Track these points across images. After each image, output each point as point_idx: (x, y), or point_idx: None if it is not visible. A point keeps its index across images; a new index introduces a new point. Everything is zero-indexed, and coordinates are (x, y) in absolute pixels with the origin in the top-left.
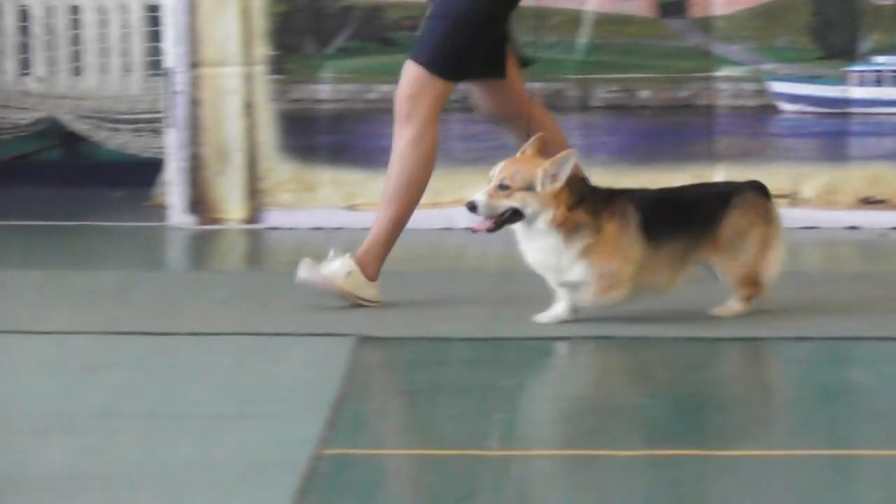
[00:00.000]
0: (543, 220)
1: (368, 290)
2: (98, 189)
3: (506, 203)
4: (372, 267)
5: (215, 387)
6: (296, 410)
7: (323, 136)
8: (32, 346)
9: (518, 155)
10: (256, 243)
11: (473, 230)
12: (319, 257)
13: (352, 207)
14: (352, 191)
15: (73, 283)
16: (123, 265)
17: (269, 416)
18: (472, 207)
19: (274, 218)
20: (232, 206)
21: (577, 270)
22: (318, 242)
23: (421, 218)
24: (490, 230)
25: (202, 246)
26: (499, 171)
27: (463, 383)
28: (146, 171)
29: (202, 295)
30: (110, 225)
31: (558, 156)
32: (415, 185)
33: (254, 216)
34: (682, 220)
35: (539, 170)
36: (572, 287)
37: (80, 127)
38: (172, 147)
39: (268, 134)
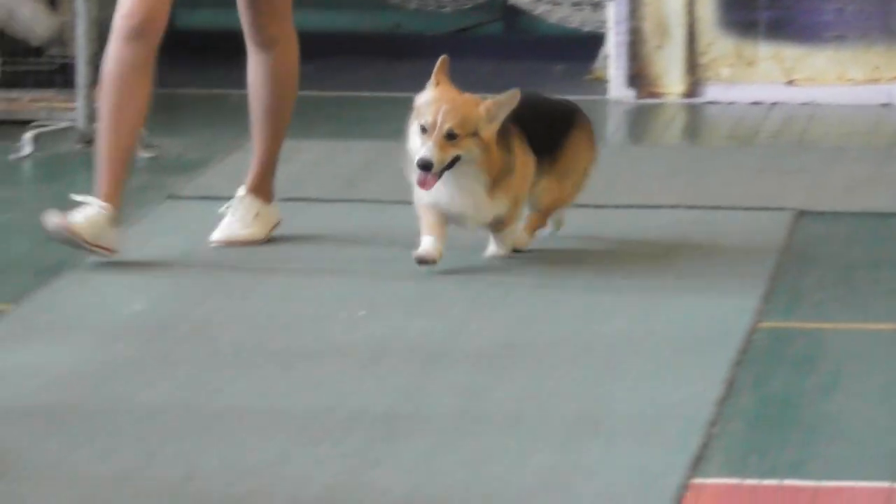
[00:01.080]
0: (478, 165)
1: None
2: (538, 62)
3: (453, 153)
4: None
5: (653, 259)
6: (732, 283)
7: (763, 12)
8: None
9: (436, 87)
10: (695, 117)
11: (423, 186)
12: (757, 132)
13: (791, 83)
14: (791, 66)
15: None
16: None
17: (707, 289)
18: (426, 166)
19: (713, 92)
20: (671, 80)
21: (501, 206)
22: (756, 117)
23: (861, 93)
24: (435, 180)
25: (641, 119)
26: (442, 118)
27: None
28: (586, 44)
29: (641, 168)
30: None
31: (502, 97)
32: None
33: (693, 90)
34: (540, 140)
35: (482, 111)
36: (496, 225)
37: (520, 1)
38: (612, 21)
39: (708, 9)
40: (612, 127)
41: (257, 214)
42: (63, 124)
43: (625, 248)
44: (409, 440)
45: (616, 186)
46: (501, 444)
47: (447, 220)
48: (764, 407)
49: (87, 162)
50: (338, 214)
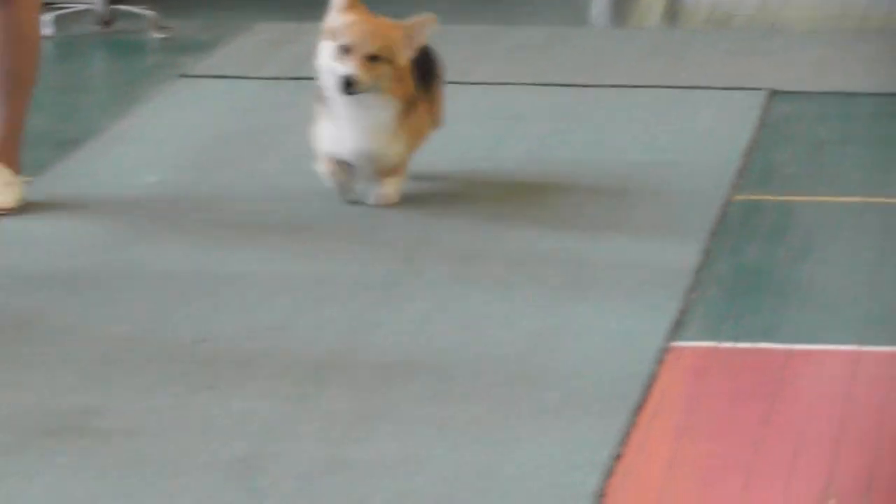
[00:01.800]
0: (389, 94)
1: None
2: None
3: (372, 77)
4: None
5: (633, 136)
6: (708, 159)
7: None
8: (464, 96)
9: (350, 10)
10: (674, 2)
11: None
12: (731, 17)
13: None
14: None
15: (501, 39)
16: (548, 22)
17: (683, 165)
18: (349, 84)
19: None
20: None
21: (398, 150)
22: (732, 2)
23: None
24: (350, 94)
25: (622, 4)
26: (365, 38)
27: (869, 135)
28: None
29: (623, 50)
30: None
31: (417, 21)
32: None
33: None
34: (423, 87)
35: (401, 35)
36: (389, 168)
37: None
38: None
39: None
40: (596, 11)
41: (7, 183)
42: (80, 6)
43: (609, 126)
44: (407, 304)
45: (599, 67)
46: (493, 308)
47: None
48: (739, 275)
49: (103, 43)
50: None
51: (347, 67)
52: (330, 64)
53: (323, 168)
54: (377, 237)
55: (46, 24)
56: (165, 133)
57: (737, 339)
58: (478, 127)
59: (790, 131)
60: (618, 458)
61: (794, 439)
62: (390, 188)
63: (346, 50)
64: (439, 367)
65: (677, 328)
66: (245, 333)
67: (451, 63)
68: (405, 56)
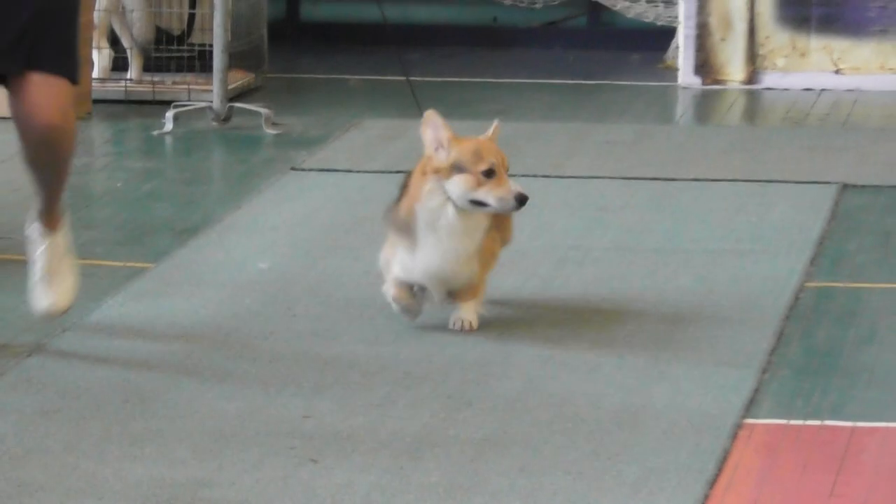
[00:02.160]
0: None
1: None
2: (618, 52)
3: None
4: None
5: (714, 227)
6: (783, 248)
7: (814, 8)
8: (557, 189)
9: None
10: (753, 102)
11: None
12: (807, 115)
13: (838, 72)
14: (838, 57)
15: (592, 134)
16: (637, 119)
17: (760, 253)
18: (524, 201)
19: (769, 80)
20: (733, 68)
21: (475, 270)
22: (807, 102)
23: None
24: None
25: (706, 103)
26: (501, 156)
27: None
28: (660, 37)
29: (705, 146)
30: (627, 84)
31: (495, 130)
32: None
33: (752, 78)
34: None
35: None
36: (463, 293)
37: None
38: (682, 16)
39: (766, 5)
40: (681, 110)
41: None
42: (200, 104)
43: (691, 217)
44: (497, 383)
45: (683, 162)
46: (579, 388)
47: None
48: (809, 356)
49: (220, 138)
50: None
51: (516, 186)
52: (471, 193)
53: (392, 292)
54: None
55: (168, 120)
56: (277, 222)
57: (806, 417)
58: (569, 217)
59: (860, 222)
60: None
61: None
62: (470, 314)
63: (491, 174)
64: (527, 442)
65: (750, 406)
66: (347, 410)
67: (546, 157)
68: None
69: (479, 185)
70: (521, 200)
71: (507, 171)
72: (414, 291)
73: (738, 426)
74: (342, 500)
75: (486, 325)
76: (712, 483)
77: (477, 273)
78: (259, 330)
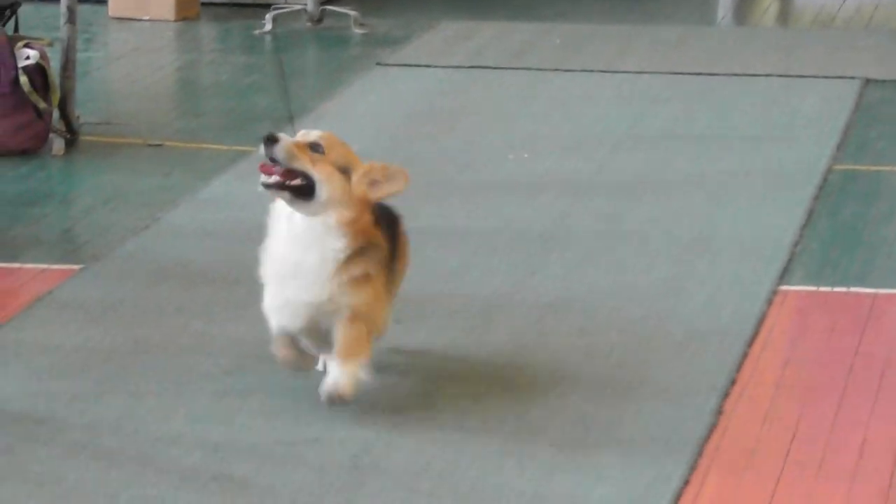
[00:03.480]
0: (335, 217)
1: None
2: None
3: (308, 167)
4: None
5: (751, 117)
6: (812, 136)
7: None
8: (611, 83)
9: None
10: (786, 6)
11: (264, 180)
12: (834, 18)
13: None
14: None
15: (642, 35)
16: (681, 22)
17: (792, 140)
18: (272, 140)
19: None
20: None
21: (349, 297)
22: (834, 6)
23: None
24: (270, 186)
25: (744, 7)
26: (315, 132)
27: None
28: None
29: (743, 46)
30: None
31: (393, 167)
32: None
33: None
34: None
35: (365, 164)
36: (328, 316)
37: None
38: None
39: None
40: (721, 13)
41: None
42: (296, 7)
43: (730, 109)
44: (560, 254)
45: (724, 59)
46: (632, 258)
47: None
48: (836, 231)
49: (313, 37)
50: (509, 79)
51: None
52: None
53: (275, 349)
54: (537, 198)
55: (267, 21)
56: (364, 112)
57: (833, 284)
58: (623, 108)
59: (881, 113)
60: (733, 382)
61: (881, 365)
62: (343, 377)
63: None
64: (585, 306)
65: (784, 275)
66: (424, 279)
67: (601, 55)
68: (360, 187)
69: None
70: (265, 136)
71: (334, 163)
72: (296, 341)
73: (773, 292)
74: (421, 357)
75: (549, 202)
76: (750, 342)
77: (350, 306)
78: None
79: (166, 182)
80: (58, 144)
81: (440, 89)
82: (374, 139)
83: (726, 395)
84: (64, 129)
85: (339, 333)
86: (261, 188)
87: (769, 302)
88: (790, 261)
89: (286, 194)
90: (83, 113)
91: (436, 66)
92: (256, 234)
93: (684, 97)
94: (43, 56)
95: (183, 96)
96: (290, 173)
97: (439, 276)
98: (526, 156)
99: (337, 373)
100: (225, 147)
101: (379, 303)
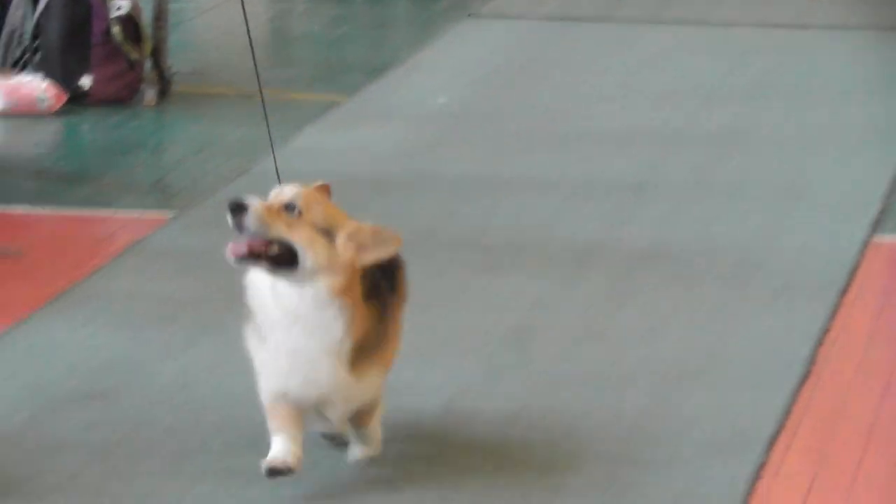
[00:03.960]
0: (324, 284)
1: None
2: None
3: (284, 232)
4: None
5: (842, 69)
6: None
7: None
8: (703, 35)
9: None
10: None
11: (231, 251)
12: None
13: None
14: None
15: None
16: None
17: (884, 93)
18: (238, 208)
19: None
20: None
21: (370, 388)
22: None
23: None
24: (242, 257)
25: None
26: (290, 189)
27: None
28: None
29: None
30: None
31: (385, 230)
32: None
33: None
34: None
35: (350, 223)
36: (359, 417)
37: None
38: None
39: None
40: None
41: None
42: None
43: (821, 62)
44: (652, 204)
45: (815, 12)
46: (724, 209)
47: (302, 414)
48: None
49: None
50: (601, 31)
51: (250, 197)
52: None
53: (269, 413)
54: (630, 147)
55: None
56: (455, 63)
57: None
58: (713, 61)
59: None
60: (826, 331)
61: None
62: (368, 443)
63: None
64: (680, 256)
65: (876, 226)
66: (520, 226)
67: (692, 8)
68: (348, 252)
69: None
70: (232, 203)
71: (314, 225)
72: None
73: (866, 243)
74: (515, 303)
75: (640, 153)
76: (843, 293)
77: (372, 393)
78: (439, 156)
79: (257, 132)
80: (150, 94)
81: (532, 40)
82: (464, 89)
83: (819, 344)
84: (156, 78)
85: (363, 428)
86: (232, 261)
87: (861, 253)
88: (883, 211)
89: (265, 264)
90: (175, 63)
91: (528, 18)
92: (348, 184)
93: (775, 50)
94: (135, 7)
95: (274, 46)
96: (266, 243)
97: (532, 225)
98: (618, 107)
99: (361, 439)
100: (317, 97)
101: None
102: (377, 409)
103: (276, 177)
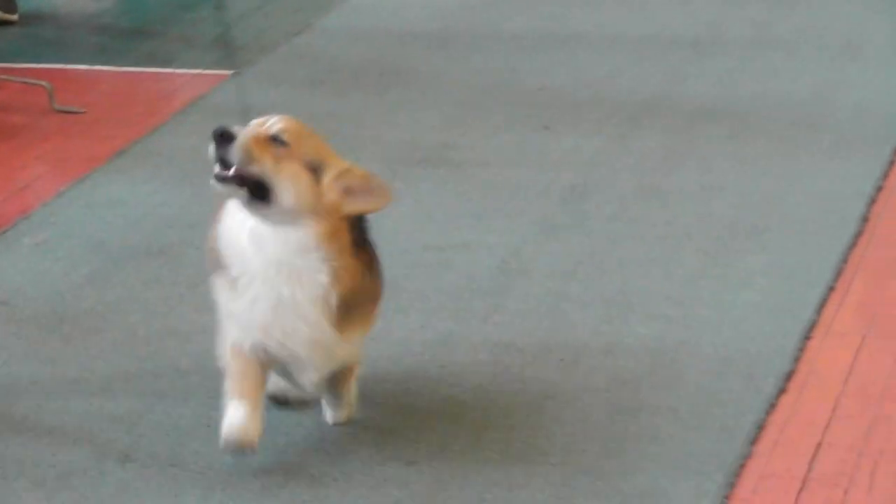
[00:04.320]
0: (309, 228)
1: None
2: None
3: (268, 166)
4: None
5: (841, 20)
6: None
7: None
8: None
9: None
10: None
11: (216, 178)
12: None
13: None
14: None
15: None
16: None
17: None
18: (224, 137)
19: None
20: None
21: (351, 347)
22: None
23: None
24: (225, 179)
25: None
26: (277, 120)
27: None
28: None
29: None
30: None
31: (377, 179)
32: None
33: None
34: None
35: (339, 162)
36: (337, 379)
37: None
38: None
39: None
40: None
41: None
42: None
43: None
44: (711, 60)
45: None
46: (784, 65)
47: (267, 371)
48: None
49: None
50: None
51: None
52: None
53: (229, 386)
54: (688, 2)
55: None
56: None
57: None
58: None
59: None
60: (880, 189)
61: None
62: (342, 408)
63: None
64: (737, 113)
65: None
66: (577, 83)
67: None
68: (334, 195)
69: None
70: (215, 131)
71: (303, 161)
72: (264, 373)
73: None
74: (570, 161)
75: (700, 9)
76: None
77: (353, 353)
78: (499, 12)
79: None
80: None
81: None
82: None
83: (873, 202)
84: None
85: (340, 390)
86: (217, 186)
87: None
88: None
89: (244, 193)
90: None
91: None
92: (409, 39)
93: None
94: None
95: None
96: (247, 173)
97: (591, 81)
98: None
99: (335, 403)
100: None
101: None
102: (355, 370)
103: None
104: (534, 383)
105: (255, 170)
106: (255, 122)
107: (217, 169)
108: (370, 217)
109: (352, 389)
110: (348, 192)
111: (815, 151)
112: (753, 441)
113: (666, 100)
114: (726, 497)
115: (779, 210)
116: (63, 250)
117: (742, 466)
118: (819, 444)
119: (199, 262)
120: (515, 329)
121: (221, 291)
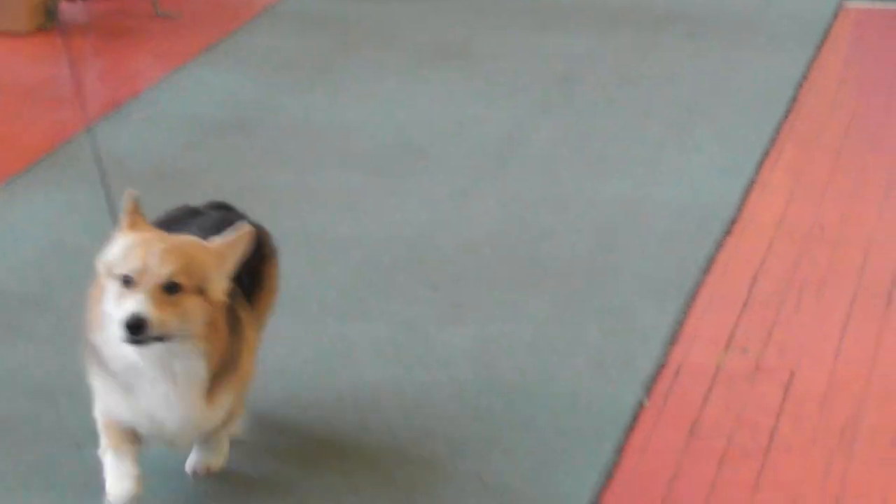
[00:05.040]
0: (199, 346)
1: None
2: None
3: (172, 316)
4: None
5: None
6: None
7: None
8: None
9: (133, 230)
10: None
11: (133, 341)
12: None
13: None
14: None
15: None
16: None
17: None
18: (137, 325)
19: None
20: None
21: (221, 412)
22: None
23: None
24: (140, 342)
25: None
26: (158, 260)
27: None
28: None
29: None
30: None
31: (233, 237)
32: None
33: None
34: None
35: (211, 258)
36: (211, 436)
37: None
38: None
39: None
40: None
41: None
42: None
43: None
44: None
45: None
46: None
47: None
48: None
49: None
50: None
51: (133, 302)
52: (106, 306)
53: (104, 433)
54: None
55: None
56: None
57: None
58: None
59: None
60: (805, 76)
61: None
62: (213, 454)
63: (128, 281)
64: (694, 17)
65: None
66: None
67: None
68: (218, 287)
69: (117, 298)
70: (129, 320)
71: (193, 291)
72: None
73: (838, 9)
74: (561, 54)
75: None
76: (819, 47)
77: (223, 415)
78: None
79: None
80: None
81: None
82: None
83: (799, 86)
84: None
85: (210, 443)
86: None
87: (834, 16)
88: None
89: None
90: None
91: None
92: None
93: None
94: None
95: None
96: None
97: None
98: None
99: (206, 448)
100: None
101: (249, 368)
102: (231, 424)
103: None
104: (533, 226)
105: (164, 331)
106: (139, 264)
107: (127, 336)
108: None
109: (222, 440)
110: (222, 266)
111: (756, 47)
112: (706, 271)
113: (638, 6)
114: (683, 313)
115: (726, 92)
116: (164, 123)
117: (696, 291)
118: (756, 275)
119: (270, 135)
120: (518, 185)
121: (96, 378)
